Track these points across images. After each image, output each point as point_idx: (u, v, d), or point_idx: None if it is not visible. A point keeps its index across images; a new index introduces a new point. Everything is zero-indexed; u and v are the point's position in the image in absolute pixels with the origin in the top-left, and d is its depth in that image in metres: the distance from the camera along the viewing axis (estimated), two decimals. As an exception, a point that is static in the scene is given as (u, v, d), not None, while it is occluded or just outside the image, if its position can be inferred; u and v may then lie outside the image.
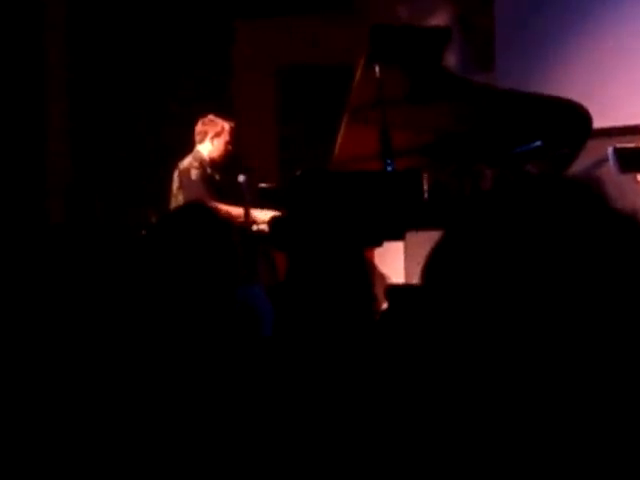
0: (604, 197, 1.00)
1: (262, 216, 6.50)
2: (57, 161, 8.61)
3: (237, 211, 6.52)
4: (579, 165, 6.57)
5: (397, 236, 6.20)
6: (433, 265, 1.01)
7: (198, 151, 6.85)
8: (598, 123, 6.51)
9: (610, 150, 6.10)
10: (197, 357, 2.29)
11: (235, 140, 6.88)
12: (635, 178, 6.52)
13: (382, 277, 6.48)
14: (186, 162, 6.80)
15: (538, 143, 6.29)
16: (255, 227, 6.52)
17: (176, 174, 6.83)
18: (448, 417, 0.98)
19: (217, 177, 6.82)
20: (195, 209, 2.66)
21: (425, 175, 6.00)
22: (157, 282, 2.41)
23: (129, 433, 2.08)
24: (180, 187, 6.78)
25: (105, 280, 2.23)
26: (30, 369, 2.15)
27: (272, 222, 6.33)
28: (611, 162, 6.08)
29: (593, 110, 6.41)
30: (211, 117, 6.90)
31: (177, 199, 6.72)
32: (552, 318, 0.95)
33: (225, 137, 6.83)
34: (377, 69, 6.04)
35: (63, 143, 8.68)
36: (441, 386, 0.99)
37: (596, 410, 0.94)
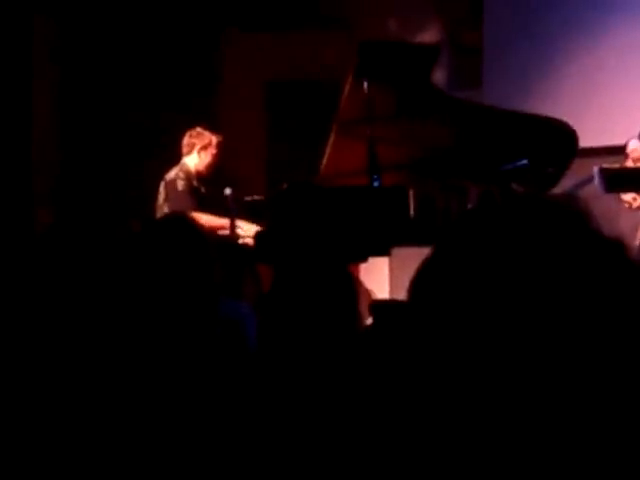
0: (588, 217, 1.01)
1: (248, 229, 6.49)
2: (44, 168, 8.60)
3: (222, 224, 6.51)
4: (565, 184, 6.60)
5: (382, 252, 6.20)
6: (420, 282, 1.01)
7: (185, 163, 6.84)
8: (584, 142, 6.54)
9: (596, 170, 6.11)
10: (176, 368, 2.29)
11: (222, 153, 6.88)
12: (619, 198, 6.55)
13: (367, 292, 6.48)
14: (172, 173, 6.80)
15: (524, 161, 6.30)
16: (240, 240, 6.50)
17: (162, 186, 6.82)
18: (432, 434, 0.99)
19: (203, 189, 6.81)
20: (175, 221, 2.66)
21: (411, 191, 6.01)
22: (135, 291, 2.40)
23: (109, 449, 2.07)
24: (166, 199, 6.77)
25: (89, 287, 2.22)
26: (13, 377, 2.14)
27: (257, 235, 6.33)
28: (596, 182, 6.10)
29: (579, 129, 6.44)
30: (199, 129, 6.90)
31: (163, 211, 6.71)
32: (539, 338, 0.95)
33: (212, 150, 6.83)
34: (365, 85, 6.06)
35: (50, 149, 8.67)
36: (425, 402, 0.99)
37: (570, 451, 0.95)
